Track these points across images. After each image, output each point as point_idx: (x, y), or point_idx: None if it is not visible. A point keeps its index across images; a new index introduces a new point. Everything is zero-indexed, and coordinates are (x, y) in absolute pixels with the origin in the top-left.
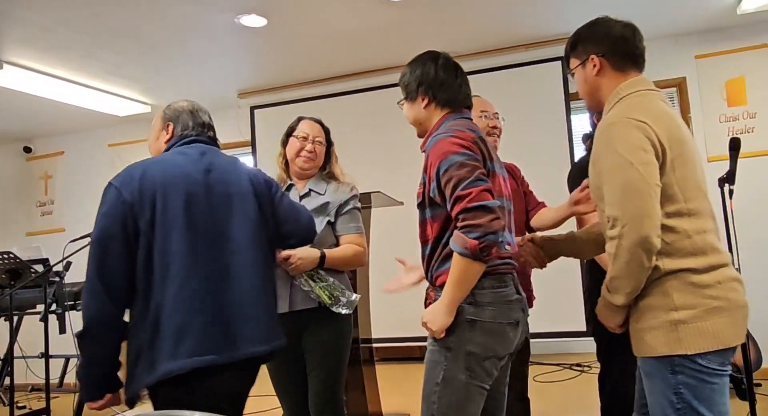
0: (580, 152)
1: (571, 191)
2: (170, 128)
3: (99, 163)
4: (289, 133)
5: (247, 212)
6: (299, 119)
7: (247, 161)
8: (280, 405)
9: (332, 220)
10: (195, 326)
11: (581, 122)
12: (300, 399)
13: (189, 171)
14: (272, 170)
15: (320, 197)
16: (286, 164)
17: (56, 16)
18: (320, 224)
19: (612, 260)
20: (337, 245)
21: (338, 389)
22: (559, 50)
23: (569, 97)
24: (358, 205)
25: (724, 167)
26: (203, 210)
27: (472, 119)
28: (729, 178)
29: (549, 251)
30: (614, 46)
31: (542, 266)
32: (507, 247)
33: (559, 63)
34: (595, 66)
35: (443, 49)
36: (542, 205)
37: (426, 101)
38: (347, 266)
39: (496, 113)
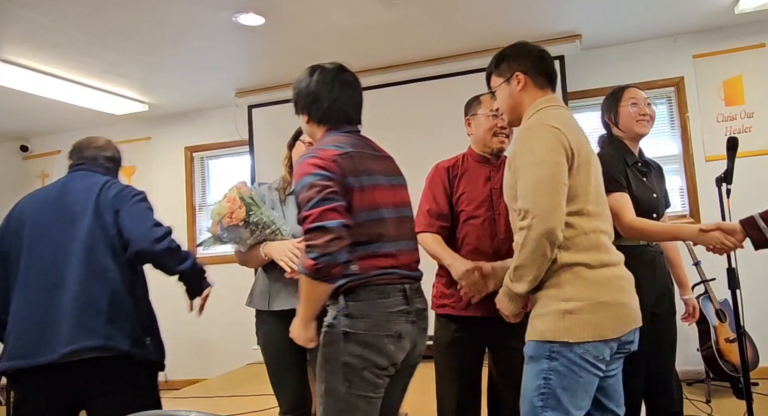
0: None
1: (612, 182)
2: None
3: None
4: (296, 137)
5: (86, 226)
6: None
7: (244, 160)
8: (277, 403)
9: None
10: (12, 334)
11: (579, 122)
12: (297, 393)
13: (45, 199)
14: (270, 168)
15: None
16: (292, 167)
17: (53, 15)
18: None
19: (519, 249)
20: None
21: None
22: (559, 49)
23: (567, 96)
24: None
25: (722, 166)
26: (47, 232)
27: (359, 132)
28: (726, 177)
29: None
30: (535, 65)
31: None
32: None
33: (557, 62)
34: (519, 82)
35: (441, 49)
36: None
37: (305, 118)
38: None
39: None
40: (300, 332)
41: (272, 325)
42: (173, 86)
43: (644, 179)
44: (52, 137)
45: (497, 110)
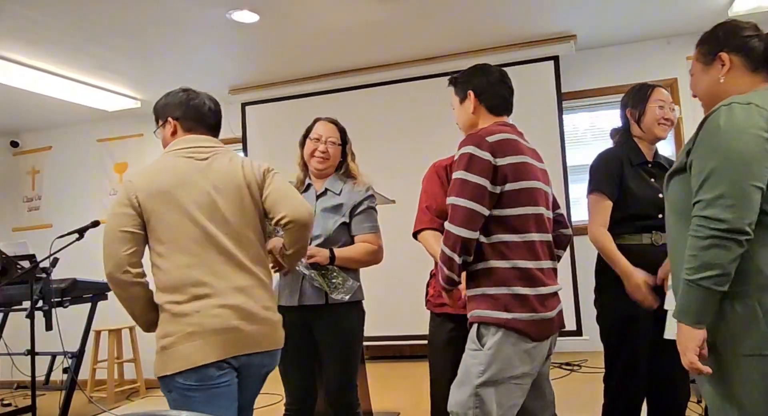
0: (571, 151)
1: (591, 181)
2: None
3: (87, 158)
4: (306, 134)
5: None
6: (315, 121)
7: None
8: (284, 394)
9: (347, 221)
10: None
11: (573, 122)
12: (302, 387)
13: None
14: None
15: (336, 197)
16: (305, 164)
17: (45, 10)
18: (335, 224)
19: None
20: (352, 244)
21: (354, 380)
22: (553, 50)
23: (561, 96)
24: (374, 204)
25: None
26: None
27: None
28: None
29: None
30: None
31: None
32: None
33: (551, 63)
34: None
35: (435, 48)
36: None
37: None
38: (359, 264)
39: None
40: None
41: None
42: (166, 83)
43: (651, 179)
44: (43, 133)
45: None
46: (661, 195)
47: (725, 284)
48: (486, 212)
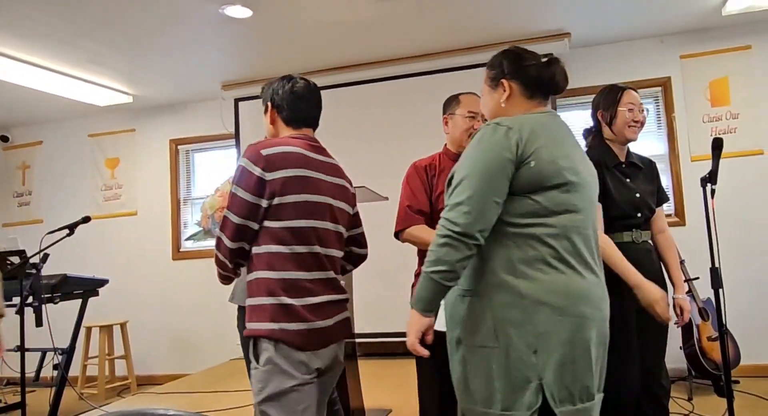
0: None
1: None
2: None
3: (78, 153)
4: None
5: None
6: None
7: (230, 154)
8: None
9: None
10: None
11: (567, 120)
12: None
13: None
14: None
15: None
16: None
17: (36, 3)
18: None
19: None
20: None
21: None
22: (548, 47)
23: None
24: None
25: (707, 166)
26: None
27: None
28: (711, 177)
29: None
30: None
31: None
32: None
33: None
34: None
35: (430, 45)
36: None
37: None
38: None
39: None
40: None
41: None
42: (158, 78)
43: (627, 180)
44: (34, 128)
45: (476, 112)
46: (638, 194)
47: (452, 281)
48: (254, 225)
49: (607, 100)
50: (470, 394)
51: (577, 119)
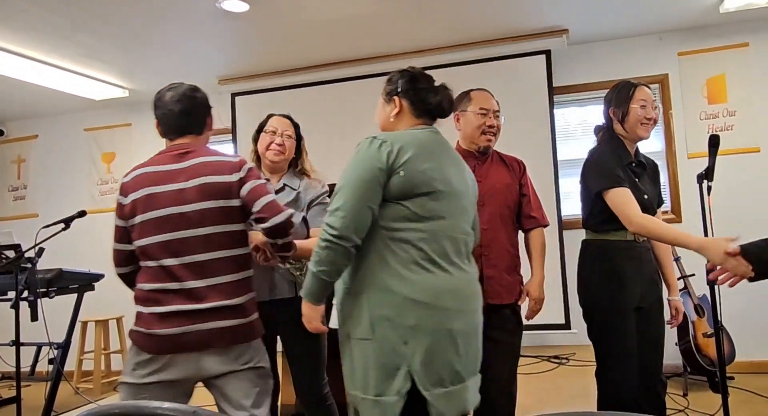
0: (561, 145)
1: (605, 178)
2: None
3: (74, 147)
4: (260, 129)
5: None
6: (269, 116)
7: (227, 148)
8: None
9: (305, 215)
10: None
11: (564, 117)
12: None
13: None
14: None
15: (294, 192)
16: (259, 159)
17: None
18: (297, 217)
19: None
20: (307, 237)
21: (322, 373)
22: (545, 44)
23: (553, 90)
24: (327, 200)
25: (703, 163)
26: None
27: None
28: (707, 174)
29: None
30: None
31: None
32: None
33: (543, 56)
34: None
35: (427, 41)
36: (536, 220)
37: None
38: None
39: (497, 112)
40: None
41: None
42: (154, 72)
43: (636, 179)
44: (29, 122)
45: (488, 109)
46: (646, 196)
47: (334, 277)
48: (127, 247)
49: (620, 96)
50: (353, 382)
51: (574, 116)
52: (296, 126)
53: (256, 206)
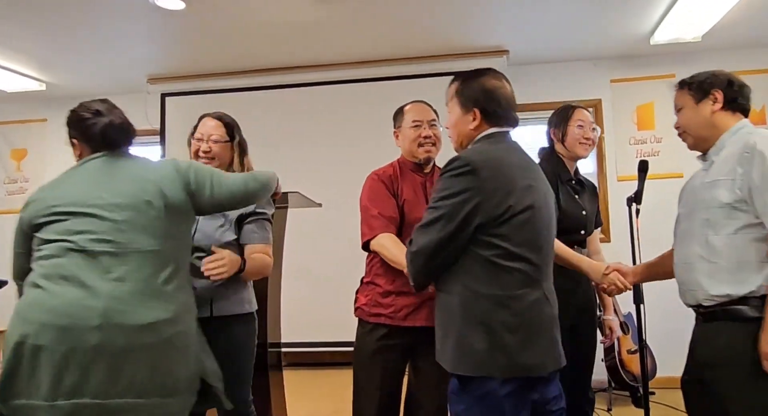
0: None
1: None
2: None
3: None
4: (192, 133)
5: None
6: (201, 118)
7: (155, 151)
8: None
9: (235, 229)
10: None
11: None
12: None
13: None
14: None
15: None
16: None
17: None
18: (223, 231)
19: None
20: (241, 253)
21: (247, 392)
22: (487, 63)
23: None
24: (266, 212)
25: (632, 186)
26: None
27: None
28: (636, 197)
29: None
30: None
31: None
32: None
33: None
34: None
35: (369, 52)
36: None
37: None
38: (257, 276)
39: (432, 121)
40: None
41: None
42: (77, 66)
43: (576, 196)
44: None
45: (420, 120)
46: (584, 212)
47: None
48: None
49: (560, 117)
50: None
51: (515, 136)
52: (229, 125)
53: None
